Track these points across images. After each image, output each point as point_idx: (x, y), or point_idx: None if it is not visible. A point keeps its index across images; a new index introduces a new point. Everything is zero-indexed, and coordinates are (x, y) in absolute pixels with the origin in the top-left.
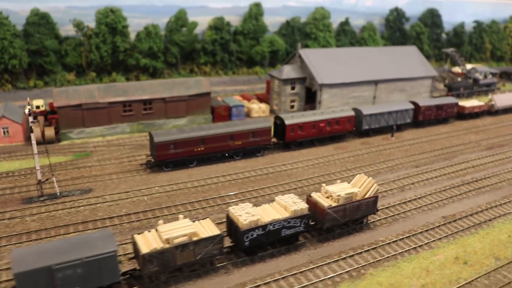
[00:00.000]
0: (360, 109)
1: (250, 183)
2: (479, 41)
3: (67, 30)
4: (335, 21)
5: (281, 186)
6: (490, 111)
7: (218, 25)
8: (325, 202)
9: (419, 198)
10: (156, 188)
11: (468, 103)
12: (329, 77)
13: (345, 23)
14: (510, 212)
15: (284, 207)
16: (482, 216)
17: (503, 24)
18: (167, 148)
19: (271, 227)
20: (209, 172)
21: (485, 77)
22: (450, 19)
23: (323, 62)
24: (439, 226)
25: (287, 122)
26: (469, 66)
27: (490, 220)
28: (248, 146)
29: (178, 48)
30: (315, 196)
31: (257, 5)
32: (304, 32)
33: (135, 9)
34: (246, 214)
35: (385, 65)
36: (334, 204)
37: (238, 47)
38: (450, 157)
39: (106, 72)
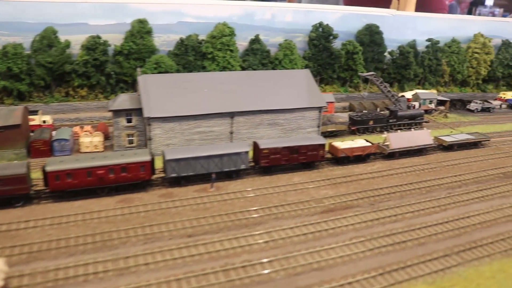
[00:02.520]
0: (165, 152)
1: None
2: (434, 62)
3: None
4: (246, 39)
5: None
6: (384, 154)
7: (91, 45)
8: None
9: None
10: None
11: (346, 143)
12: (162, 108)
13: (255, 41)
14: None
15: None
16: None
17: (465, 44)
18: None
19: None
20: None
21: (419, 106)
22: (399, 36)
23: (164, 91)
24: None
25: (48, 168)
26: (409, 93)
27: None
28: None
29: (46, 70)
30: None
31: (141, 22)
32: (200, 52)
33: (2, 26)
34: None
35: (250, 94)
36: None
37: (119, 69)
38: (249, 223)
39: None
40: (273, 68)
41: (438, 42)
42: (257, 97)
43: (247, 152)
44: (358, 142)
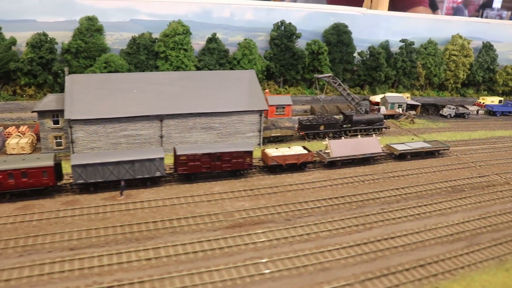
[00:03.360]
0: (71, 157)
1: None
2: (408, 64)
3: None
4: (204, 38)
5: None
6: (328, 162)
7: (35, 42)
8: None
9: None
10: None
11: (279, 151)
12: (85, 110)
13: (212, 40)
14: None
15: None
16: None
17: (443, 45)
18: None
19: None
20: None
21: (378, 110)
22: (371, 36)
23: (90, 91)
24: None
25: None
26: (384, 95)
27: None
28: None
29: None
30: None
31: (90, 19)
32: (153, 51)
33: None
34: None
35: (184, 96)
36: None
37: (69, 67)
38: (142, 237)
39: None
40: (231, 68)
41: (412, 43)
42: (190, 99)
43: (162, 159)
44: (294, 150)
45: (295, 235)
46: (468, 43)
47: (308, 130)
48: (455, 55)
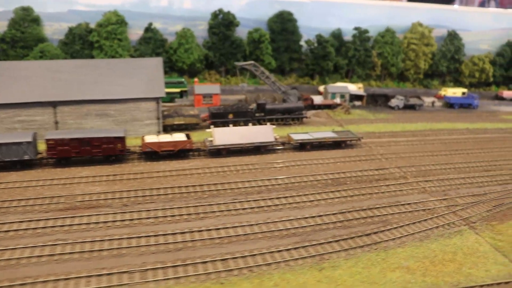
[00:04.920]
0: None
1: None
2: (362, 53)
3: None
4: (142, 28)
5: None
6: (210, 151)
7: None
8: None
9: None
10: None
11: (155, 138)
12: None
13: (148, 29)
14: None
15: None
16: None
17: (402, 34)
18: None
19: None
20: None
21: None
22: (322, 24)
23: None
24: None
25: None
26: (337, 84)
27: None
28: None
29: None
30: None
31: (25, 9)
32: (89, 41)
33: None
34: None
35: (80, 83)
36: None
37: (4, 57)
38: None
39: None
40: (167, 58)
41: (366, 31)
42: (86, 87)
43: (29, 142)
44: (175, 137)
45: (117, 220)
46: (430, 31)
47: (216, 119)
48: (414, 43)
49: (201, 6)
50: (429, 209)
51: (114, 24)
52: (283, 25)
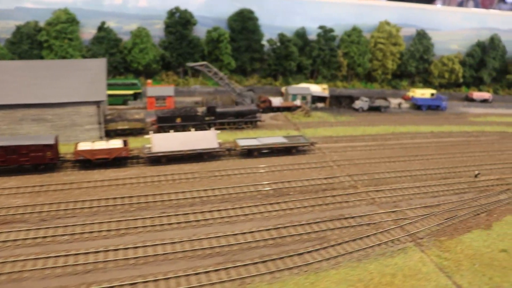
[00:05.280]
0: None
1: None
2: (327, 53)
3: None
4: (95, 26)
5: None
6: (149, 158)
7: None
8: None
9: None
10: None
11: (89, 145)
12: None
13: (101, 28)
14: None
15: None
16: None
17: (369, 33)
18: None
19: None
20: None
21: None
22: (286, 23)
23: None
24: None
25: None
26: (299, 85)
27: None
28: None
29: None
30: None
31: None
32: (37, 41)
33: None
34: None
35: (14, 86)
36: None
37: None
38: None
39: None
40: (122, 58)
41: (332, 30)
42: (21, 90)
43: None
44: (110, 143)
45: (28, 238)
46: (398, 30)
47: (164, 123)
48: (381, 43)
49: (157, 4)
50: (374, 223)
51: (64, 22)
52: (244, 23)
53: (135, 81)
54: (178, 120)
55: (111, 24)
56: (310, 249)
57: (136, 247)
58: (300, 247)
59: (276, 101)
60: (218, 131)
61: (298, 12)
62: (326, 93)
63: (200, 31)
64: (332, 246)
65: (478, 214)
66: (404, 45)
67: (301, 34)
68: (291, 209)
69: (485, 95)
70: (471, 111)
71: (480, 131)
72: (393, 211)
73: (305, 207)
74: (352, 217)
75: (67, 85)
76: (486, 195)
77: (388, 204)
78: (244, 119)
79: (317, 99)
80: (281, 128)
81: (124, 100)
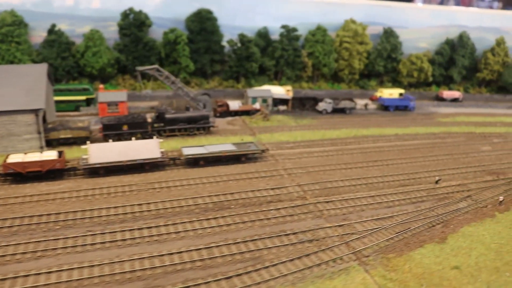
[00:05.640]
0: None
1: None
2: (291, 53)
3: None
4: (46, 29)
5: None
6: (87, 170)
7: None
8: None
9: None
10: None
11: (21, 157)
12: None
13: (52, 31)
14: None
15: None
16: None
17: (334, 32)
18: None
19: None
20: None
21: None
22: (247, 23)
23: None
24: None
25: None
26: (261, 88)
27: None
28: None
29: None
30: None
31: None
32: None
33: None
34: None
35: None
36: None
37: None
38: None
39: None
40: (75, 62)
41: (295, 29)
42: None
43: None
44: (43, 155)
45: None
46: (364, 29)
47: (109, 131)
48: (347, 42)
49: (111, 6)
50: (317, 240)
51: (11, 25)
52: (202, 24)
53: (87, 86)
54: (125, 127)
55: (62, 26)
56: (240, 272)
57: (49, 272)
58: (229, 269)
59: (235, 104)
60: (161, 140)
61: (260, 12)
62: (288, 95)
63: (157, 33)
64: (266, 267)
65: (434, 226)
66: (371, 43)
67: (263, 34)
68: (228, 225)
69: (456, 94)
70: (440, 111)
71: (447, 132)
72: (340, 225)
73: (244, 222)
74: (294, 233)
75: (3, 93)
76: (444, 203)
77: (337, 217)
78: (196, 125)
79: (279, 101)
80: (237, 133)
81: (76, 106)
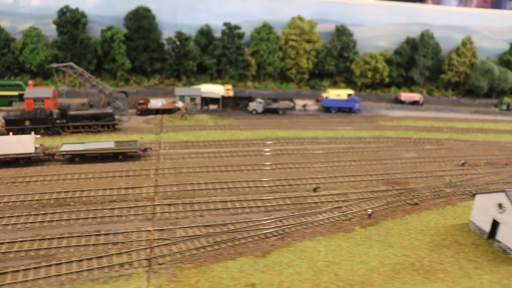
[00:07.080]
0: None
1: None
2: (233, 51)
3: None
4: None
5: None
6: None
7: None
8: None
9: None
10: None
11: None
12: None
13: None
14: None
15: None
16: None
17: (281, 29)
18: None
19: None
20: None
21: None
22: (190, 21)
23: None
24: None
25: None
26: (193, 87)
27: None
28: None
29: None
30: None
31: None
32: None
33: None
34: None
35: None
36: None
37: None
38: None
39: None
40: (14, 59)
41: (238, 27)
42: None
43: None
44: None
45: None
46: (312, 26)
47: (12, 126)
48: (293, 40)
49: (50, 4)
50: (123, 242)
51: None
52: (139, 22)
53: (20, 82)
54: (27, 123)
55: (3, 23)
56: (16, 269)
57: None
58: (16, 264)
59: (157, 103)
60: (38, 136)
61: (202, 9)
62: (219, 95)
63: (97, 31)
64: (49, 266)
65: (267, 238)
66: (321, 42)
67: (205, 32)
68: (50, 221)
69: (415, 96)
70: (390, 114)
71: (378, 136)
72: (161, 230)
73: (68, 219)
74: (107, 234)
75: None
76: (304, 213)
77: (166, 221)
78: (99, 122)
79: (209, 100)
80: (145, 132)
81: (9, 101)
